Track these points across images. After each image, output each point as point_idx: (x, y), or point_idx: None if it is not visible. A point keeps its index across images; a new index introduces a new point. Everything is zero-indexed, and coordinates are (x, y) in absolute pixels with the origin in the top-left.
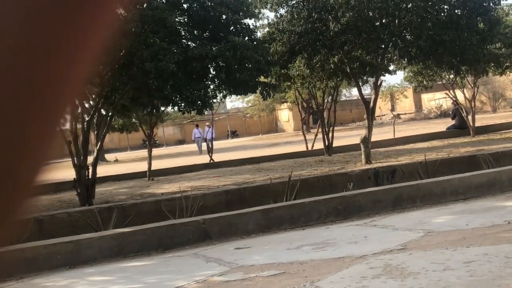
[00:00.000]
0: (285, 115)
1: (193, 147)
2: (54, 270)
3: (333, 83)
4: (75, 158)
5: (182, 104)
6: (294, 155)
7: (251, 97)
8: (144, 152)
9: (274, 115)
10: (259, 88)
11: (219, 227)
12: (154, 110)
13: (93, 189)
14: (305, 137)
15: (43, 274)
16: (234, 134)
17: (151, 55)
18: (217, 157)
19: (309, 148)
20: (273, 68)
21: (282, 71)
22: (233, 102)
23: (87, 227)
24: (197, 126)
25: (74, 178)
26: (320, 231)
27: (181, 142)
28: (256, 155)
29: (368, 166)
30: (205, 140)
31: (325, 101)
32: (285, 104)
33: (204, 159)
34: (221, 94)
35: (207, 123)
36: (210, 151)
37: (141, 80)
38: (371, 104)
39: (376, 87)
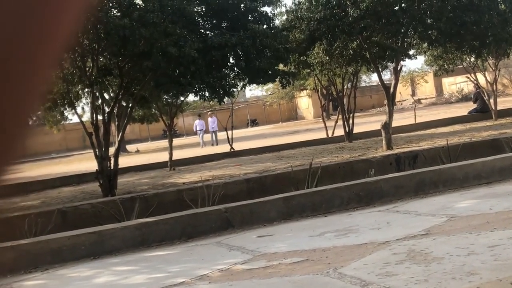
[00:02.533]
0: (305, 102)
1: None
2: (78, 260)
3: (352, 69)
4: (96, 150)
5: (205, 92)
6: (314, 142)
7: (270, 85)
8: (165, 143)
9: (293, 102)
10: (278, 76)
11: (241, 216)
12: (177, 97)
13: (115, 180)
14: (325, 124)
15: (68, 265)
16: (254, 123)
17: (172, 42)
18: (238, 146)
19: (330, 135)
20: (292, 56)
21: (301, 58)
22: (253, 91)
23: (110, 217)
24: (199, 116)
25: (97, 169)
26: (342, 218)
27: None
28: (277, 143)
29: (389, 152)
30: (210, 132)
31: (345, 87)
32: (304, 91)
33: (211, 150)
34: (241, 83)
35: (209, 112)
36: (214, 143)
37: (163, 67)
38: (391, 89)
39: (396, 72)
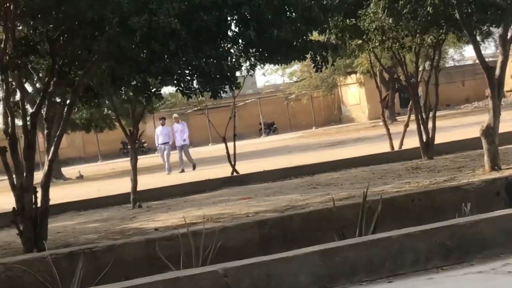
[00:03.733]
0: (354, 94)
1: (207, 151)
2: None
3: (432, 38)
4: (13, 176)
5: (193, 81)
6: (371, 159)
7: (296, 66)
8: (124, 163)
9: (335, 94)
10: (310, 52)
11: (251, 282)
12: (146, 94)
13: (44, 225)
14: (387, 129)
15: None
16: (271, 129)
17: (136, 5)
18: (244, 167)
19: (396, 148)
20: (333, 18)
21: (348, 22)
22: (268, 76)
23: (36, 286)
24: (162, 120)
25: (14, 208)
26: (419, 285)
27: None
28: (308, 161)
29: (495, 175)
30: (177, 147)
31: (420, 69)
32: (353, 76)
33: (190, 176)
34: (248, 63)
35: (175, 116)
36: (182, 166)
37: (123, 46)
38: (497, 71)
39: (505, 44)
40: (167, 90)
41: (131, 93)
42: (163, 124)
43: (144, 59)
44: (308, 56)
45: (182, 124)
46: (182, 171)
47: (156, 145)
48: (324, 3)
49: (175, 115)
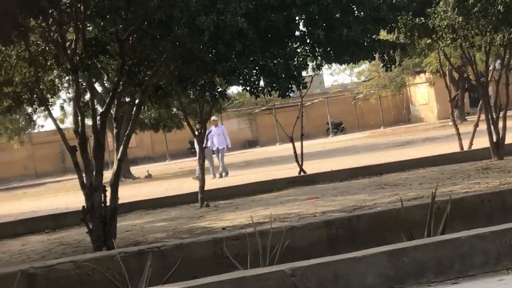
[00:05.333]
0: (423, 93)
1: (274, 151)
2: None
3: (502, 37)
4: (83, 175)
5: (260, 81)
6: (440, 159)
7: (364, 65)
8: (192, 162)
9: (404, 94)
10: (378, 51)
11: (318, 282)
12: (211, 93)
13: (113, 224)
14: (457, 129)
15: None
16: (339, 128)
17: (204, 4)
18: (311, 167)
19: (465, 148)
20: (402, 18)
21: (417, 21)
22: (335, 76)
23: (105, 284)
24: (214, 121)
25: (83, 207)
26: (488, 287)
27: (251, 143)
28: (376, 161)
29: None
30: (214, 151)
31: (490, 68)
32: (422, 75)
33: (266, 174)
34: (314, 62)
35: (213, 119)
36: (221, 171)
37: (190, 46)
38: None
39: None
40: (235, 89)
41: (197, 93)
42: (215, 123)
43: (211, 59)
44: (377, 55)
45: (220, 127)
46: (221, 176)
47: (210, 147)
48: (393, 1)
49: (213, 117)
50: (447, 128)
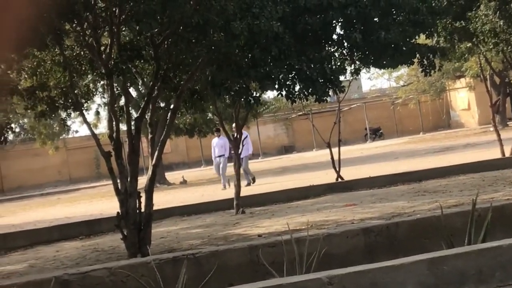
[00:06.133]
0: (463, 98)
1: (311, 157)
2: None
3: None
4: (118, 181)
5: (296, 85)
6: (480, 166)
7: (403, 70)
8: (228, 168)
9: (444, 99)
10: (417, 55)
11: None
12: (246, 99)
13: (148, 230)
14: (498, 135)
15: None
16: (377, 134)
17: (240, 8)
18: (349, 173)
19: (507, 154)
20: (441, 21)
21: (457, 24)
22: (373, 81)
23: None
24: (217, 131)
25: (118, 213)
26: None
27: (288, 149)
28: (415, 167)
29: None
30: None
31: None
32: (462, 80)
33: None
34: (352, 66)
35: (233, 125)
36: (248, 180)
37: (225, 51)
38: None
39: None
40: (271, 94)
41: (232, 98)
42: (218, 136)
43: (246, 63)
44: (416, 59)
45: (244, 134)
46: (248, 184)
47: (212, 157)
48: (433, 5)
49: (234, 125)
50: (488, 134)
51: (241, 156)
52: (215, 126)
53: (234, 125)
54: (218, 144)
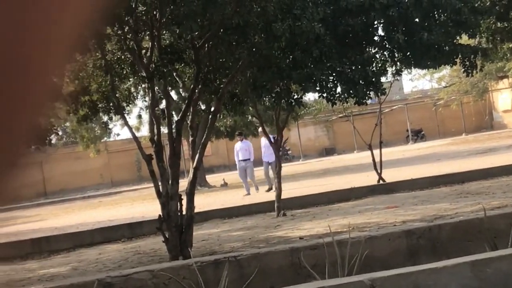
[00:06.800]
0: (506, 99)
1: (352, 159)
2: None
3: None
4: (159, 183)
5: (337, 87)
6: None
7: (445, 71)
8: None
9: (486, 100)
10: (459, 56)
11: None
12: (291, 101)
13: (189, 233)
14: None
15: None
16: (418, 135)
17: (281, 9)
18: (390, 174)
19: None
20: (484, 21)
21: (500, 24)
22: (415, 82)
23: None
24: (239, 135)
25: (159, 216)
26: None
27: (329, 151)
28: (458, 169)
29: None
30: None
31: None
32: (505, 80)
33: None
34: (394, 68)
35: (261, 130)
36: (272, 185)
37: (266, 53)
38: None
39: None
40: (311, 96)
41: (273, 100)
42: (241, 140)
43: (287, 65)
44: (458, 60)
45: (246, 142)
46: (270, 189)
47: (236, 162)
48: (475, 5)
49: (260, 129)
50: None
51: (268, 161)
52: (256, 128)
53: (260, 129)
54: (242, 148)
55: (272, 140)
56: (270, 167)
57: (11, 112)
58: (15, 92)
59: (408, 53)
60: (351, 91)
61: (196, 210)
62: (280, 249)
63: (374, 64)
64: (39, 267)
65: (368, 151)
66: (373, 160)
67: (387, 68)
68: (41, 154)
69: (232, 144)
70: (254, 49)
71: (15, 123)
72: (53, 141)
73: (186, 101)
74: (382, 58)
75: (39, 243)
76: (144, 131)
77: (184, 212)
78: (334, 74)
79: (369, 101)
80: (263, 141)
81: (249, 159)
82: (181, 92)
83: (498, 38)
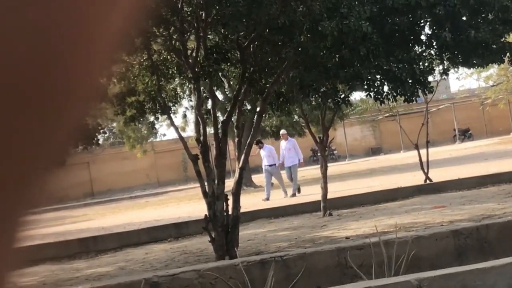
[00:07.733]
0: None
1: (399, 158)
2: None
3: None
4: (205, 183)
5: (384, 86)
6: None
7: (492, 70)
8: (314, 170)
9: None
10: (507, 54)
11: None
12: (338, 100)
13: (235, 232)
14: None
15: None
16: (466, 135)
17: (327, 8)
18: (437, 174)
19: None
20: None
21: None
22: (462, 81)
23: None
24: (259, 143)
25: (206, 216)
26: None
27: (375, 151)
28: (506, 168)
29: None
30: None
31: None
32: None
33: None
34: (441, 66)
35: (282, 132)
36: (293, 190)
37: (312, 52)
38: None
39: None
40: (357, 95)
41: (319, 100)
42: (260, 148)
43: (333, 64)
44: (506, 58)
45: (291, 141)
46: (293, 195)
47: (263, 167)
48: None
49: (282, 131)
50: None
51: (288, 165)
52: (301, 128)
53: (282, 131)
54: (265, 155)
55: (318, 140)
56: (290, 170)
57: (58, 112)
58: (63, 92)
59: (455, 51)
60: (398, 90)
61: (242, 210)
62: (326, 249)
63: (422, 62)
64: (87, 267)
65: (414, 150)
66: (420, 159)
67: (434, 67)
68: (88, 154)
69: (276, 144)
70: (300, 49)
71: (62, 123)
72: (100, 142)
73: (232, 101)
74: (429, 57)
75: (86, 243)
76: (190, 131)
77: (230, 212)
78: (381, 73)
79: (416, 100)
80: (283, 144)
81: (274, 164)
82: (226, 92)
83: None
